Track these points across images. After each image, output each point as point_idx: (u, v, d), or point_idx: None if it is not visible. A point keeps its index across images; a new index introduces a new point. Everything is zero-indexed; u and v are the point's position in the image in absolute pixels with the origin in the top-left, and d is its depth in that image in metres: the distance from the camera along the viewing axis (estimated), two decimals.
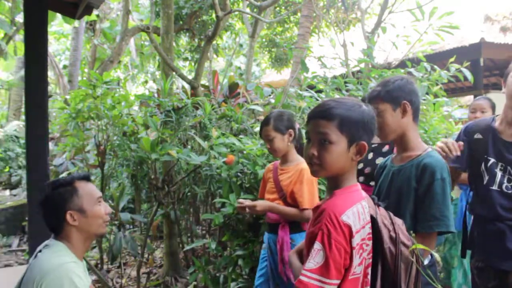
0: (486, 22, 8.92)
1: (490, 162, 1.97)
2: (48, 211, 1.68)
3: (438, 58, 6.57)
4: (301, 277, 1.17)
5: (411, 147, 1.76)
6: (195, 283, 3.47)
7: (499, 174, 1.94)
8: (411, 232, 1.35)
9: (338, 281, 1.17)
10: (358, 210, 1.24)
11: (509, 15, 8.84)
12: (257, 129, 3.20)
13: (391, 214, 1.36)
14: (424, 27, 4.43)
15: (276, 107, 3.98)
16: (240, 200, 2.43)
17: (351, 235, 1.19)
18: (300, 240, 2.34)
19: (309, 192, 2.32)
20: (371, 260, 1.25)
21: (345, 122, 1.27)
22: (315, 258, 1.18)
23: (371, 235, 1.26)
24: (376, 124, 1.35)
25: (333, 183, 1.33)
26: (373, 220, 1.26)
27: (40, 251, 1.66)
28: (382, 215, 1.30)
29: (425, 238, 1.61)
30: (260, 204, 2.38)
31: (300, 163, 2.41)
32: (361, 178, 2.51)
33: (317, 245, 1.19)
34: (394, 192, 1.75)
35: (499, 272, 1.89)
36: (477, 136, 2.06)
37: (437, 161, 1.67)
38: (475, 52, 7.75)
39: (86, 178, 1.75)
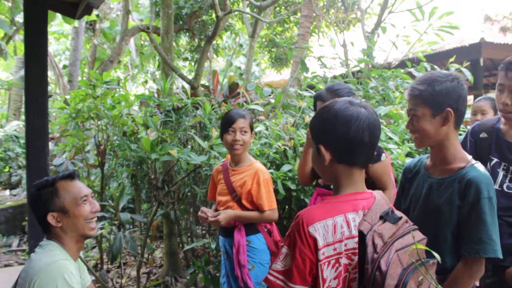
0: (486, 22, 8.91)
1: (493, 162, 1.97)
2: (34, 213, 1.68)
3: (438, 58, 6.58)
4: (269, 276, 1.22)
5: (451, 158, 1.59)
6: None
7: (501, 174, 1.94)
8: (423, 253, 1.20)
9: (303, 287, 1.18)
10: (335, 223, 1.19)
11: (509, 15, 8.83)
12: (258, 129, 3.20)
13: (406, 232, 1.22)
14: (424, 27, 4.44)
15: (276, 107, 3.98)
16: (204, 210, 2.34)
17: (316, 248, 1.17)
18: (257, 241, 2.33)
19: (267, 194, 2.29)
20: (356, 275, 1.21)
21: (314, 130, 1.31)
22: (283, 261, 1.20)
23: (356, 251, 1.20)
24: (342, 121, 1.22)
25: (333, 189, 1.32)
26: (362, 236, 1.19)
27: (33, 251, 1.66)
28: (379, 232, 1.18)
29: (471, 264, 1.47)
30: (223, 217, 2.27)
31: (253, 163, 2.37)
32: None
33: (284, 249, 1.22)
34: (434, 208, 1.58)
35: (497, 268, 1.87)
36: (483, 135, 2.04)
37: (483, 176, 1.50)
38: (475, 52, 7.76)
39: (70, 176, 1.70)
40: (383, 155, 2.14)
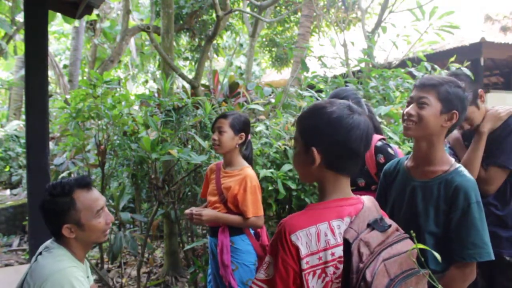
0: (486, 22, 8.90)
1: None
2: (46, 218, 1.64)
3: (439, 58, 6.57)
4: (253, 285, 1.18)
5: (436, 160, 1.58)
6: None
7: None
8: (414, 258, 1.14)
9: None
10: (318, 231, 1.14)
11: (509, 15, 8.82)
12: (258, 128, 3.20)
13: (395, 241, 1.15)
14: (424, 27, 4.44)
15: (277, 107, 3.98)
16: (188, 211, 2.35)
17: (299, 257, 1.13)
18: (241, 242, 2.32)
19: (253, 201, 2.26)
20: (339, 285, 1.15)
21: (302, 129, 1.24)
22: (266, 270, 1.17)
23: (342, 259, 1.13)
24: (345, 128, 1.16)
25: (319, 194, 1.27)
26: (348, 245, 1.12)
27: (40, 253, 1.64)
28: (365, 240, 1.11)
29: (465, 268, 1.48)
30: (206, 214, 2.30)
31: (244, 168, 2.34)
32: None
33: (268, 258, 1.18)
34: (418, 212, 1.58)
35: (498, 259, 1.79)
36: None
37: (470, 181, 1.50)
38: (476, 51, 7.76)
39: (87, 185, 1.65)
40: None
